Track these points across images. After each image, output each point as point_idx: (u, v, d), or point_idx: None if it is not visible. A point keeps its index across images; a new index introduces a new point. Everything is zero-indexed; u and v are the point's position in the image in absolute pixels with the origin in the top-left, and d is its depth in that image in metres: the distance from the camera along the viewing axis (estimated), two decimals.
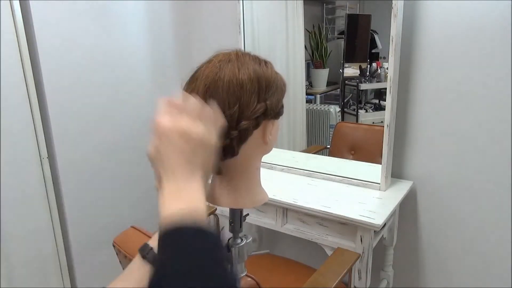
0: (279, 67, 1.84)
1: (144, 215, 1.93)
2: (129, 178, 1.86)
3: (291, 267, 1.53)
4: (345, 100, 1.93)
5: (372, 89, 1.91)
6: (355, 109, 1.90)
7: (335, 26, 1.92)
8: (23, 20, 1.39)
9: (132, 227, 1.00)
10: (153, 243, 0.56)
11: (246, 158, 0.63)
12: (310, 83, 2.01)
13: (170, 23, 1.95)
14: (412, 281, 1.67)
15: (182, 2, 1.97)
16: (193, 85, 0.60)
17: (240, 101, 0.58)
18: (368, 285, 1.34)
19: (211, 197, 0.67)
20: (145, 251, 0.56)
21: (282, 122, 1.84)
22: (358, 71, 1.84)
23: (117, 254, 0.97)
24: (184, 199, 0.45)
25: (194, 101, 0.51)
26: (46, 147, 1.52)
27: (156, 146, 0.48)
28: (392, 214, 1.40)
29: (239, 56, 0.61)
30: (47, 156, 1.53)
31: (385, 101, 1.40)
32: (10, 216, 1.46)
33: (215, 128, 0.52)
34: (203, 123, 0.49)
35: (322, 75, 2.00)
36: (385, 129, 1.42)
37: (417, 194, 1.55)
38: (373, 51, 1.79)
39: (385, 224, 1.34)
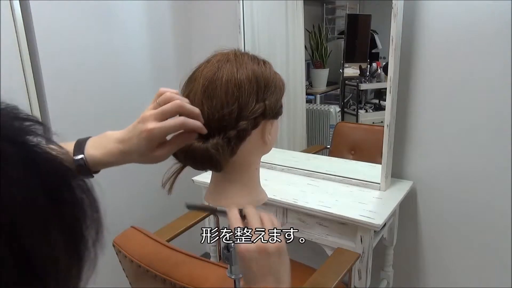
0: (279, 67, 1.85)
1: (144, 215, 1.93)
2: (129, 178, 1.86)
3: (291, 267, 1.52)
4: (345, 100, 1.93)
5: (372, 89, 1.91)
6: (355, 109, 1.90)
7: (335, 26, 1.92)
8: (23, 20, 1.39)
9: (132, 227, 1.00)
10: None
11: (245, 158, 0.63)
12: (310, 83, 2.01)
13: (170, 23, 1.95)
14: (412, 281, 1.67)
15: (182, 2, 1.97)
16: (191, 86, 0.60)
17: (238, 101, 0.57)
18: (368, 285, 1.34)
19: (210, 197, 0.67)
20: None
21: (282, 122, 1.84)
22: (358, 71, 1.84)
23: (117, 254, 0.97)
24: None
25: (276, 222, 0.58)
26: None
27: (268, 263, 0.56)
28: (392, 214, 1.40)
29: (238, 56, 0.61)
30: None
31: (385, 101, 1.40)
32: None
33: None
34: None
35: (322, 75, 2.00)
36: (385, 129, 1.41)
37: (417, 194, 1.55)
38: (373, 51, 1.79)
39: (385, 224, 1.34)
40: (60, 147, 0.37)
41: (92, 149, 0.60)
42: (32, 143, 0.28)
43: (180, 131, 0.57)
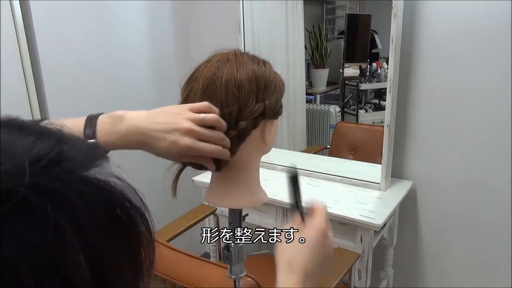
0: (279, 67, 1.85)
1: None
2: (129, 178, 1.85)
3: None
4: (345, 100, 1.93)
5: (372, 89, 1.92)
6: (355, 109, 1.90)
7: (335, 26, 1.92)
8: (23, 20, 1.39)
9: None
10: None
11: (245, 158, 0.63)
12: (310, 83, 2.01)
13: (170, 23, 1.95)
14: (412, 281, 1.67)
15: (182, 2, 1.97)
16: (191, 85, 0.60)
17: (238, 101, 0.57)
18: (368, 285, 1.34)
19: (210, 197, 0.67)
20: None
21: (282, 122, 1.84)
22: (358, 71, 1.84)
23: None
24: None
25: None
26: None
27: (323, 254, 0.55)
28: (392, 214, 1.40)
29: (237, 56, 0.61)
30: None
31: (385, 101, 1.40)
32: None
33: None
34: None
35: (322, 75, 2.00)
36: (385, 129, 1.41)
37: (417, 194, 1.55)
38: (373, 51, 1.79)
39: (385, 224, 1.34)
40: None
41: (107, 136, 0.53)
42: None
43: None
